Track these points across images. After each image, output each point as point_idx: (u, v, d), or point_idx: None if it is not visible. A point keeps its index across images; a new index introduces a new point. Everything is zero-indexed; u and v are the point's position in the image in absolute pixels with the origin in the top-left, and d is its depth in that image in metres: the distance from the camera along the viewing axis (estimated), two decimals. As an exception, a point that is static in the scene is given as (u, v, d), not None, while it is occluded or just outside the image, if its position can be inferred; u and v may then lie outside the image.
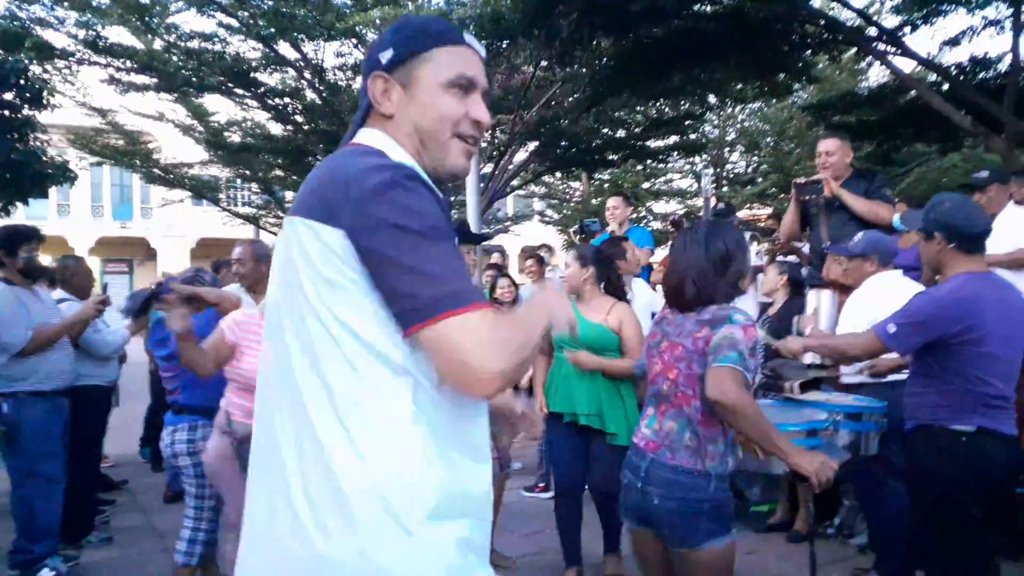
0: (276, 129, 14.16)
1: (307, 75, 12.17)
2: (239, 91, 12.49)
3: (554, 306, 1.28)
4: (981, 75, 8.43)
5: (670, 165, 19.20)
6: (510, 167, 13.67)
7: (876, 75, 15.90)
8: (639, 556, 2.52)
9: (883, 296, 3.53)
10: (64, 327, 4.19)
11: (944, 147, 11.06)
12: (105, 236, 27.92)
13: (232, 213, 17.13)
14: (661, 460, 2.32)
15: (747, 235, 6.82)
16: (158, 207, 20.23)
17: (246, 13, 10.99)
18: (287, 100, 12.93)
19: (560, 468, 4.07)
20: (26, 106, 9.00)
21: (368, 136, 1.29)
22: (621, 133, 13.74)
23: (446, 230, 1.14)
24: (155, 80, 11.92)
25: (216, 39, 11.67)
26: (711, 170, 17.64)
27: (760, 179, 18.79)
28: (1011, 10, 7.96)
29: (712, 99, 12.92)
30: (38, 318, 4.07)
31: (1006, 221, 4.56)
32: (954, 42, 9.23)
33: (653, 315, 3.52)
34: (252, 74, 12.04)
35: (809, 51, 9.10)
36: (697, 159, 17.61)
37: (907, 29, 8.61)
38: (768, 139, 18.98)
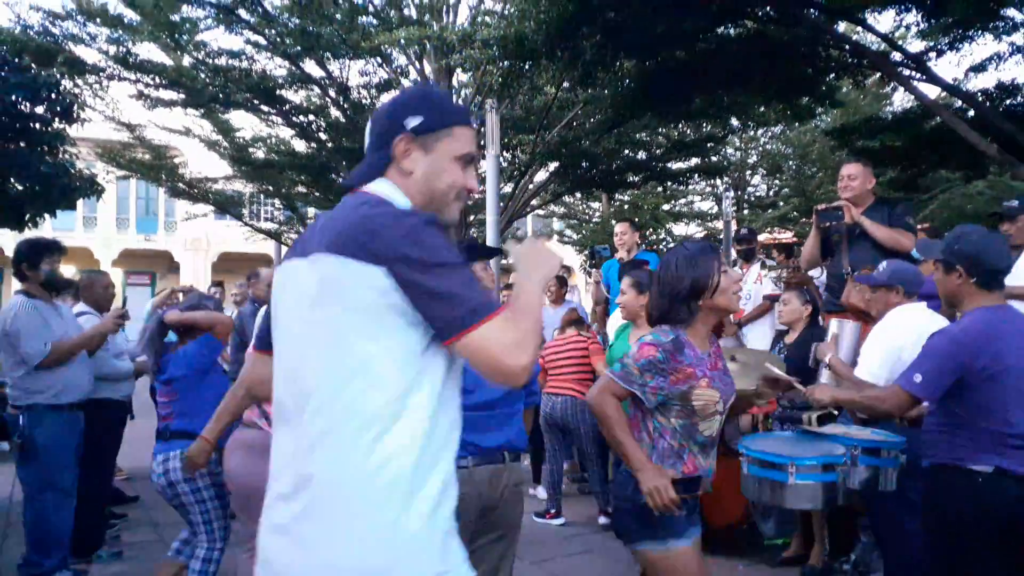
0: (300, 146, 14.31)
1: (332, 93, 12.30)
2: (265, 108, 12.66)
3: (540, 265, 1.52)
4: (1008, 102, 8.33)
5: (691, 187, 19.12)
6: (530, 186, 13.69)
7: (901, 100, 15.80)
8: None
9: (906, 328, 3.46)
10: (83, 341, 4.23)
11: (969, 174, 10.90)
12: (129, 248, 28.29)
13: (254, 228, 17.29)
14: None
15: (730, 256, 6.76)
16: (182, 221, 20.48)
17: (273, 31, 11.17)
18: (312, 117, 13.07)
19: None
20: (57, 120, 9.17)
21: (380, 187, 1.52)
22: (642, 155, 13.72)
23: (461, 259, 1.37)
24: (183, 96, 12.12)
25: (243, 56, 11.86)
26: (732, 193, 17.55)
27: (781, 203, 18.66)
28: (1039, 37, 7.88)
29: (734, 122, 12.88)
30: (58, 331, 4.11)
31: (1034, 252, 4.47)
32: (980, 68, 9.13)
33: None
34: (278, 91, 12.21)
35: (833, 75, 9.03)
36: (718, 182, 17.51)
37: (932, 55, 8.53)
38: (790, 163, 18.87)
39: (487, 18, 11.32)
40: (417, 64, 12.41)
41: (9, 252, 4.62)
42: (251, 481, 3.11)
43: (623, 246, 6.31)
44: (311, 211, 17.22)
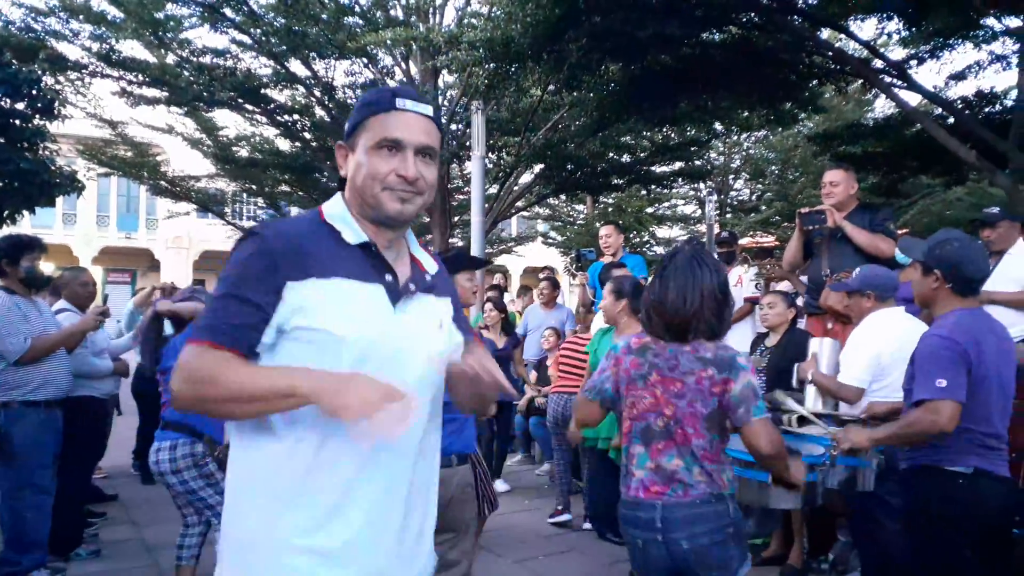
0: (284, 145, 14.25)
1: (317, 93, 12.26)
2: (249, 107, 12.58)
3: (344, 399, 1.28)
4: (987, 109, 8.46)
5: (675, 191, 19.26)
6: (515, 188, 13.72)
7: (882, 107, 15.98)
8: None
9: (883, 333, 3.52)
10: (63, 337, 4.20)
11: (949, 180, 11.07)
12: (109, 246, 28.03)
13: (237, 227, 17.18)
14: (675, 501, 2.24)
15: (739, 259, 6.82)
16: (163, 219, 20.29)
17: (259, 30, 11.11)
18: (296, 117, 13.02)
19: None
20: (37, 116, 9.09)
21: (332, 200, 1.54)
22: (626, 158, 13.78)
23: (231, 287, 1.39)
24: (166, 94, 12.03)
25: (228, 55, 11.79)
26: (715, 197, 17.66)
27: (764, 207, 18.81)
28: (1017, 45, 8.00)
29: (718, 126, 12.97)
30: (36, 327, 4.08)
31: (1015, 259, 4.55)
32: (960, 76, 9.27)
33: None
34: (262, 90, 12.14)
35: (816, 81, 9.14)
36: (702, 186, 17.64)
37: (913, 62, 8.66)
38: (773, 167, 19.03)
39: (474, 20, 11.32)
40: (403, 65, 12.40)
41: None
42: None
43: (608, 249, 6.36)
44: (294, 210, 17.14)
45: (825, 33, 9.31)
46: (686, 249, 2.40)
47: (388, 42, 10.30)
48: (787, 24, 7.60)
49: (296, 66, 11.90)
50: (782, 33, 7.81)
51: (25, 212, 9.28)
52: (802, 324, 5.03)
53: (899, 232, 5.39)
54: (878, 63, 8.21)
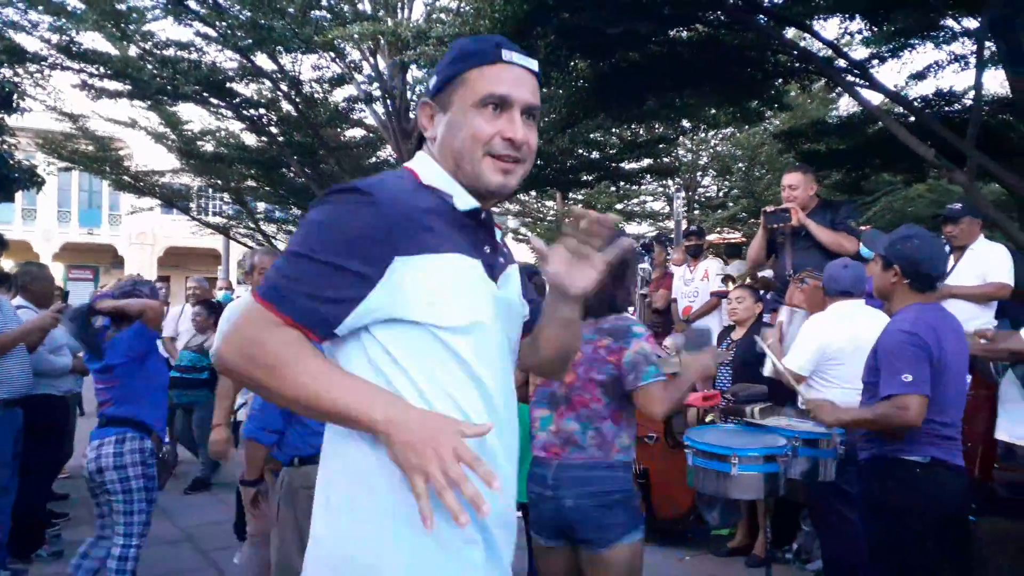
0: (250, 140, 14.07)
1: (283, 87, 12.12)
2: (214, 101, 12.40)
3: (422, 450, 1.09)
4: (946, 109, 8.64)
5: (643, 187, 19.37)
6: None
7: (846, 105, 16.23)
8: None
9: (835, 324, 3.59)
10: (19, 335, 4.11)
11: (910, 178, 11.29)
12: (71, 242, 27.46)
13: (202, 223, 16.95)
14: (568, 462, 2.40)
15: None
16: (127, 214, 19.95)
17: (224, 23, 10.94)
18: (262, 111, 12.87)
19: None
20: (-6, 109, 8.88)
21: (415, 161, 1.36)
22: (596, 154, 13.84)
23: (315, 250, 1.15)
24: (129, 87, 11.80)
25: (192, 48, 11.61)
26: (683, 193, 17.83)
27: (731, 203, 19.01)
28: (975, 46, 8.17)
29: (686, 124, 13.08)
30: (-5, 325, 4.00)
31: (977, 254, 4.65)
32: (921, 76, 9.45)
33: None
34: (228, 84, 11.98)
35: (781, 79, 9.26)
36: (670, 182, 17.77)
37: (875, 62, 8.80)
38: (740, 165, 19.23)
39: (442, 15, 11.28)
40: (371, 60, 12.32)
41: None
42: None
43: None
44: (260, 206, 16.94)
45: (790, 32, 9.44)
46: None
47: (356, 36, 10.23)
48: (753, 23, 7.69)
49: (262, 60, 11.75)
50: (748, 32, 7.90)
51: (-18, 207, 9.08)
52: (767, 319, 5.12)
53: (861, 228, 5.48)
54: (841, 62, 8.34)
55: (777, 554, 4.47)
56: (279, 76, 11.96)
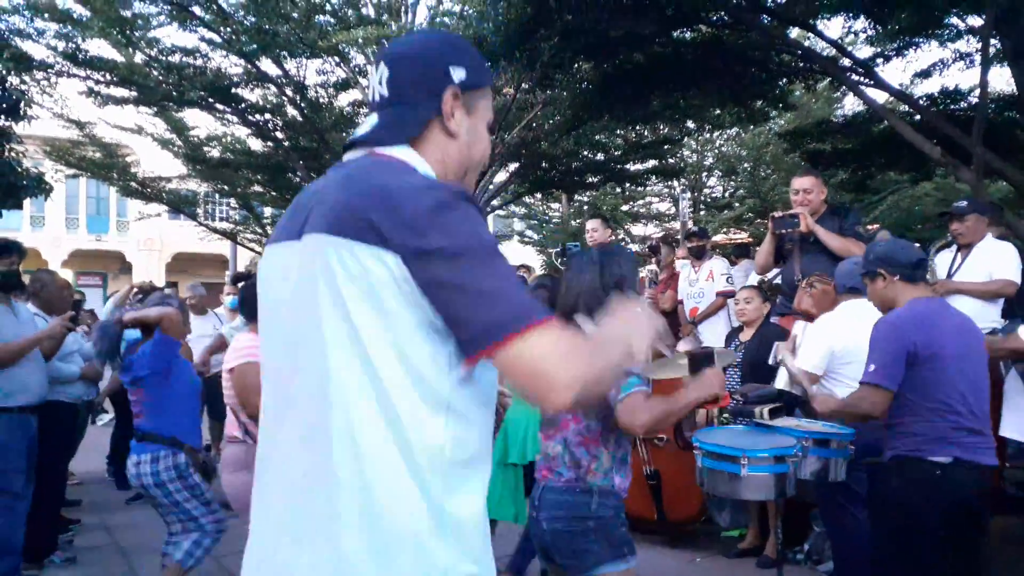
0: (256, 145, 14.11)
1: (288, 92, 12.17)
2: (220, 106, 12.45)
3: (638, 331, 1.25)
4: (952, 106, 8.62)
5: (648, 188, 19.37)
6: (490, 187, 13.73)
7: (851, 104, 16.21)
8: None
9: (841, 322, 3.60)
10: (28, 344, 4.12)
11: (916, 176, 11.26)
12: (79, 249, 27.57)
13: (209, 228, 17.00)
14: (550, 484, 2.36)
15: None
16: (134, 220, 20.01)
17: (228, 29, 10.99)
18: (268, 116, 12.91)
19: None
20: (2, 116, 8.92)
21: (405, 152, 1.22)
22: (600, 156, 13.84)
23: (498, 247, 1.10)
24: (135, 93, 11.85)
25: (198, 54, 11.66)
26: (689, 194, 17.79)
27: (737, 204, 18.98)
28: (980, 43, 8.16)
29: (690, 124, 13.08)
30: (9, 333, 4.02)
31: (983, 251, 4.65)
32: (926, 74, 9.44)
33: None
34: (233, 90, 12.02)
35: (785, 79, 9.26)
36: (675, 183, 17.75)
37: (880, 60, 8.80)
38: (745, 165, 19.22)
39: (446, 19, 11.32)
40: (375, 64, 12.33)
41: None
42: (241, 496, 3.13)
43: (595, 243, 6.39)
44: (267, 211, 17.00)
45: (794, 32, 9.44)
46: (593, 253, 2.51)
47: (360, 41, 10.26)
48: (756, 23, 7.69)
49: (267, 65, 11.80)
50: (752, 32, 7.91)
51: (-9, 215, 9.13)
52: (775, 320, 5.11)
53: (871, 227, 5.49)
54: (845, 61, 8.34)
55: (788, 555, 4.47)
56: (284, 81, 12.00)
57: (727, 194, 20.62)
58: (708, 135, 17.78)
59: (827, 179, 5.03)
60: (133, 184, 14.84)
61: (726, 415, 4.34)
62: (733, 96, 9.33)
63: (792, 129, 11.86)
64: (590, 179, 14.05)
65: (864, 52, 9.41)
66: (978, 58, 7.96)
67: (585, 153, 13.57)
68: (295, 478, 1.13)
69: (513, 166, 13.19)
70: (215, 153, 14.55)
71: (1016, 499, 5.05)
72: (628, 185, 16.00)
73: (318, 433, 1.10)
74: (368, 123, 1.27)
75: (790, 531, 4.53)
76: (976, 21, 7.86)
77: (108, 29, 10.59)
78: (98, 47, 11.52)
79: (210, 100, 12.04)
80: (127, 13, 10.61)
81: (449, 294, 1.04)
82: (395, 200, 1.07)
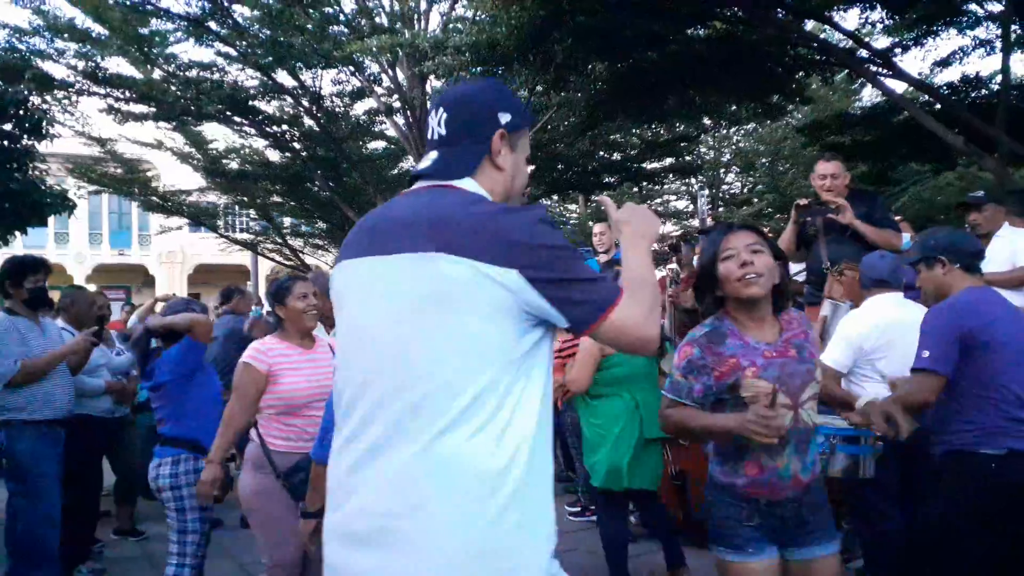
0: (274, 156, 14.26)
1: (305, 103, 12.27)
2: (237, 119, 12.59)
3: (644, 231, 1.57)
4: (973, 95, 8.51)
5: (666, 187, 19.30)
6: (507, 190, 13.72)
7: (869, 95, 16.04)
8: None
9: (870, 318, 3.52)
10: (54, 359, 4.16)
11: (938, 166, 11.12)
12: (103, 263, 27.97)
13: (230, 240, 17.17)
14: None
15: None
16: (156, 234, 20.28)
17: (244, 43, 11.12)
18: (285, 127, 13.04)
19: None
20: (25, 136, 9.06)
21: (468, 183, 1.47)
22: (617, 156, 13.83)
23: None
24: (154, 109, 12.03)
25: (214, 68, 11.81)
26: (707, 191, 17.72)
27: (756, 199, 18.87)
28: (1000, 30, 8.05)
29: (707, 121, 13.02)
30: (36, 349, 4.06)
31: (1004, 240, 4.58)
32: (945, 63, 9.32)
33: None
34: (250, 102, 12.16)
35: (802, 72, 9.19)
36: (693, 180, 17.70)
37: (898, 50, 8.70)
38: (763, 160, 19.09)
39: (458, 24, 11.36)
40: (390, 72, 12.42)
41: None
42: (257, 496, 3.10)
43: (602, 247, 6.37)
44: (287, 221, 17.13)
45: (809, 25, 9.35)
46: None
47: (374, 50, 10.32)
48: (771, 17, 7.64)
49: (283, 77, 11.92)
50: (766, 26, 7.85)
51: (17, 233, 9.26)
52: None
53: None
54: (863, 52, 8.25)
55: (818, 553, 4.41)
56: (300, 92, 12.11)
57: (745, 190, 20.50)
58: (725, 131, 17.68)
59: (848, 169, 4.93)
60: (154, 198, 15.03)
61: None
62: (749, 91, 9.28)
63: (810, 123, 11.76)
64: (607, 179, 14.02)
65: (882, 42, 9.30)
66: (999, 45, 7.86)
67: (601, 153, 13.56)
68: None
69: (529, 168, 13.18)
70: (234, 165, 14.71)
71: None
72: (645, 184, 15.95)
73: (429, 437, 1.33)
74: (429, 158, 1.51)
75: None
76: (996, 7, 7.75)
77: (126, 47, 10.76)
78: (117, 65, 11.72)
79: (228, 113, 12.18)
80: (144, 30, 10.76)
81: (558, 288, 1.33)
82: (501, 226, 1.33)
